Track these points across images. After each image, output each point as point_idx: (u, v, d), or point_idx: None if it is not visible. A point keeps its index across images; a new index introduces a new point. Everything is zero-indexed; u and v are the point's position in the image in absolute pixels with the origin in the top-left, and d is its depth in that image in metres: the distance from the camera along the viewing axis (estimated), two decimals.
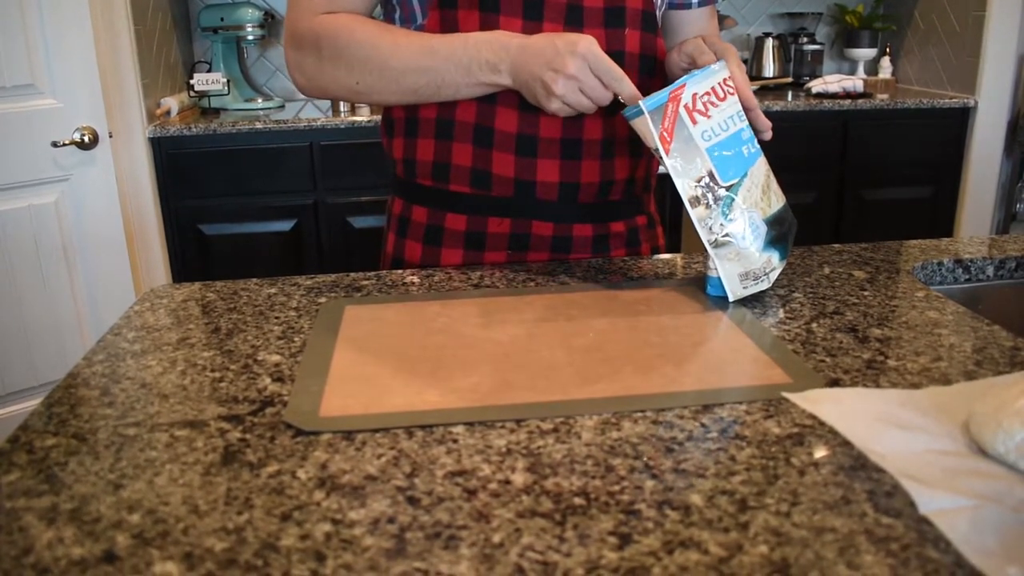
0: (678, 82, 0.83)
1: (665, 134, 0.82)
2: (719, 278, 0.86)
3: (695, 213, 0.84)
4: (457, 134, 0.98)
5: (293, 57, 1.00)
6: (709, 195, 0.83)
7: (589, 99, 0.87)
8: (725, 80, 0.85)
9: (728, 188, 0.84)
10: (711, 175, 0.83)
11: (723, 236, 0.84)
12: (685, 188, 0.83)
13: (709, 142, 0.83)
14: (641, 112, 0.83)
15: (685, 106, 0.82)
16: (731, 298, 0.86)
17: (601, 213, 1.04)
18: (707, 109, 0.83)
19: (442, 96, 0.95)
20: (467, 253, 1.03)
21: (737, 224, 0.84)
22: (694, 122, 0.82)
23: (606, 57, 0.85)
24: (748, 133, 0.86)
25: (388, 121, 1.05)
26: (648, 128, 0.83)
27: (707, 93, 0.83)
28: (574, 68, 0.84)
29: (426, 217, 1.04)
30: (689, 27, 1.08)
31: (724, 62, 0.86)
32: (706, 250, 0.85)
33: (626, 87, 0.86)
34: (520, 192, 0.99)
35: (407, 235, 1.06)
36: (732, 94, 0.85)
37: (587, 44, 0.84)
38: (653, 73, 1.00)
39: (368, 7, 1.00)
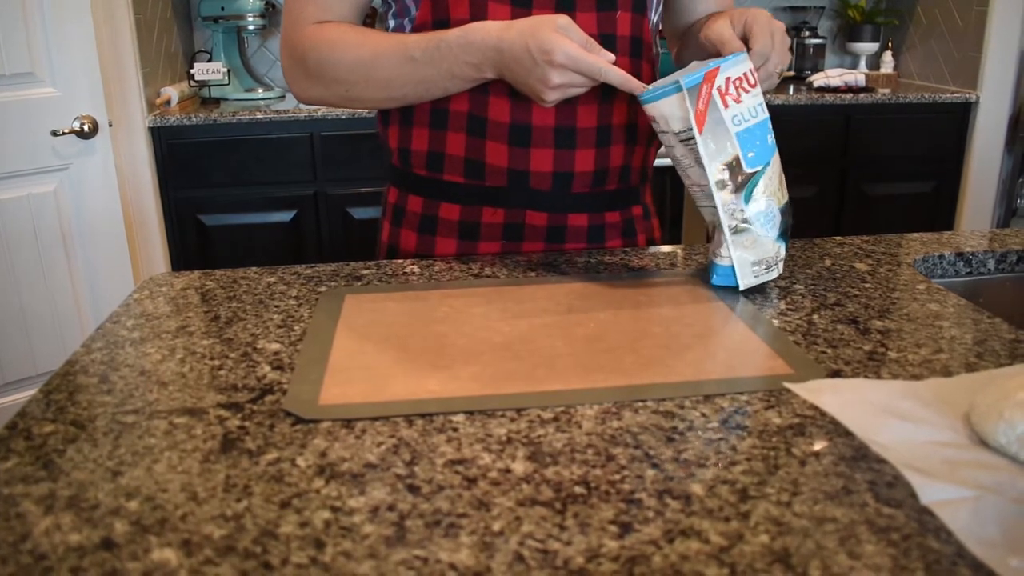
0: (712, 64, 0.82)
1: (700, 114, 0.81)
2: (731, 267, 0.85)
3: (720, 197, 0.83)
4: (451, 123, 0.98)
5: (288, 68, 1.02)
6: (735, 180, 0.83)
7: (581, 87, 0.86)
8: (752, 69, 0.85)
9: (751, 175, 0.83)
10: (737, 160, 0.83)
11: (743, 223, 0.84)
12: (713, 171, 0.83)
13: (739, 127, 0.83)
14: (668, 94, 0.82)
15: (718, 88, 0.82)
16: (741, 287, 0.86)
17: (596, 203, 1.03)
18: (739, 94, 0.83)
19: (432, 96, 0.96)
20: (461, 243, 1.03)
21: (757, 211, 0.84)
22: (726, 105, 0.82)
23: (584, 56, 0.82)
24: (769, 124, 0.86)
25: (383, 110, 1.05)
26: (683, 106, 0.82)
27: (740, 78, 0.83)
28: (557, 79, 0.83)
29: (421, 206, 1.04)
30: (701, 5, 1.07)
31: (747, 54, 0.85)
32: (722, 237, 0.85)
33: (613, 76, 0.83)
34: (514, 182, 0.99)
35: (402, 224, 1.06)
36: (757, 84, 0.85)
37: (562, 51, 0.82)
38: (641, 55, 0.99)
39: (358, 13, 1.01)
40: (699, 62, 0.86)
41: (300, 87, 1.01)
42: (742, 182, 0.83)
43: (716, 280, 0.88)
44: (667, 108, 0.83)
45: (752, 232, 0.84)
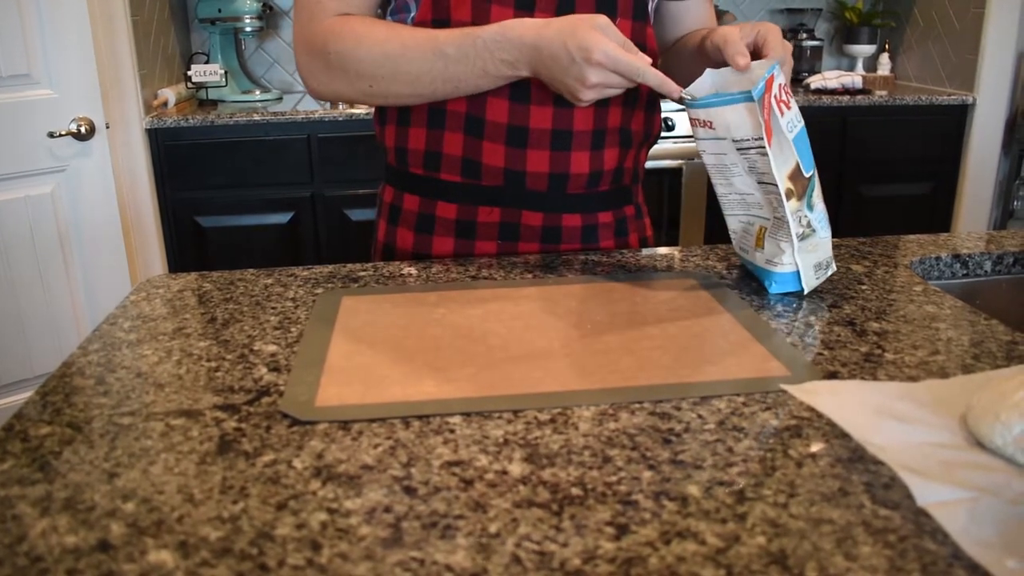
0: (767, 72, 0.81)
1: (768, 123, 0.80)
2: (793, 272, 0.85)
3: (790, 206, 0.83)
4: (448, 123, 0.98)
5: (304, 62, 0.98)
6: (798, 188, 0.83)
7: (617, 88, 0.85)
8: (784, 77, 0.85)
9: (808, 179, 0.84)
10: (798, 167, 0.83)
11: (808, 228, 0.84)
12: (782, 181, 0.82)
13: (792, 133, 0.82)
14: (734, 101, 0.81)
15: (775, 96, 0.81)
16: (806, 291, 0.86)
17: (590, 203, 1.04)
18: (788, 100, 0.83)
19: (460, 94, 0.94)
20: (458, 242, 1.03)
21: (816, 214, 0.85)
22: (781, 113, 0.81)
23: (623, 56, 0.81)
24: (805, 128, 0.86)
25: (381, 109, 1.05)
26: (750, 116, 0.81)
27: (785, 85, 0.83)
28: (594, 78, 0.82)
29: (417, 205, 1.04)
30: (687, 18, 1.08)
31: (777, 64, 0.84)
32: (785, 244, 0.84)
33: (651, 77, 0.82)
34: (510, 182, 0.99)
35: (398, 223, 1.06)
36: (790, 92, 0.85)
37: (601, 49, 0.81)
38: None
39: (374, 7, 0.99)
40: (714, 70, 0.86)
41: (318, 81, 0.98)
42: (802, 188, 0.83)
43: (775, 288, 0.87)
44: (732, 116, 0.82)
45: (816, 235, 0.85)
